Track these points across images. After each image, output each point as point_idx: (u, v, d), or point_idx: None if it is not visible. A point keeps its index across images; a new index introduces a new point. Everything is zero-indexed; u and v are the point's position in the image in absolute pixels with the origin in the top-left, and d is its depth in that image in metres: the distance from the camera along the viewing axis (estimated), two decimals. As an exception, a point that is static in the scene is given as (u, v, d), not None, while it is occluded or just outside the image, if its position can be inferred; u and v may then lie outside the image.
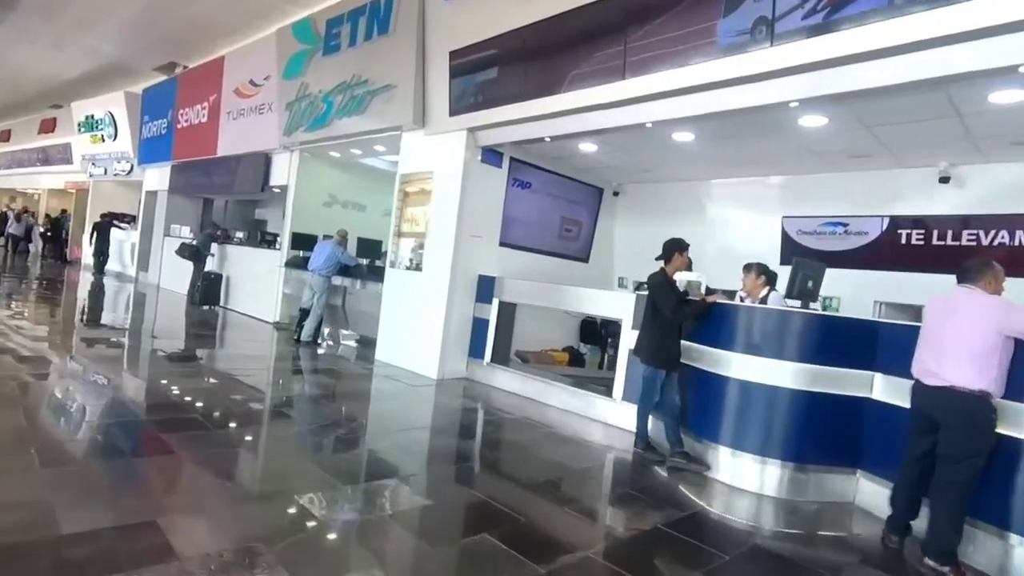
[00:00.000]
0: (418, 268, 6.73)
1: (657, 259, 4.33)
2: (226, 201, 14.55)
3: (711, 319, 4.14)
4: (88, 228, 16.47)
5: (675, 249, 4.22)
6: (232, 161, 10.58)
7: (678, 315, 4.03)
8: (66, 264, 17.01)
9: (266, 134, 9.47)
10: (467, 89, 6.13)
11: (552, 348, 7.55)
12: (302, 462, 3.68)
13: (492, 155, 6.52)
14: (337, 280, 7.92)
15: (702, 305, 4.07)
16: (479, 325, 6.48)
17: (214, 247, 10.95)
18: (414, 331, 6.61)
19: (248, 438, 3.95)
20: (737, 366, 3.91)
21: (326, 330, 7.98)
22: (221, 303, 10.57)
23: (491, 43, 5.77)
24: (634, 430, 4.40)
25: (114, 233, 14.83)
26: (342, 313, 7.98)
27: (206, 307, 10.32)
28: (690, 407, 4.17)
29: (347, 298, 7.86)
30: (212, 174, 11.21)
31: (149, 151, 13.73)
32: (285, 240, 9.28)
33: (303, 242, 9.18)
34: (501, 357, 6.40)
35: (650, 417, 4.28)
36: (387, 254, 9.25)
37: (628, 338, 5.00)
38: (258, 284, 9.78)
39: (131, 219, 15.60)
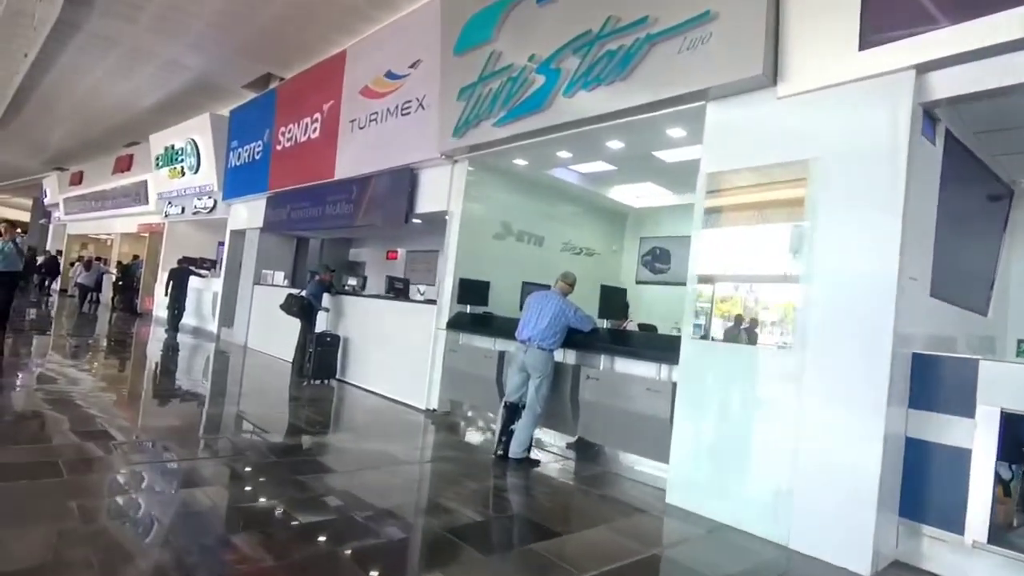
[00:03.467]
0: (749, 340, 3.61)
1: None
2: (322, 240, 12.08)
3: None
4: (161, 276, 14.33)
5: None
6: (355, 185, 7.91)
7: None
8: (136, 316, 14.84)
9: (414, 142, 6.75)
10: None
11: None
12: None
13: (928, 124, 3.43)
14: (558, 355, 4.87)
15: None
16: (923, 456, 3.24)
17: (326, 299, 8.20)
18: (772, 462, 3.44)
19: None
20: None
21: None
22: (337, 375, 7.74)
23: None
24: None
25: (192, 281, 12.49)
26: (570, 409, 4.91)
27: (318, 382, 7.48)
28: None
29: (583, 385, 4.77)
30: (325, 203, 8.58)
31: (237, 183, 11.39)
32: (445, 291, 6.37)
33: (469, 293, 6.26)
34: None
35: None
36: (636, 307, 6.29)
37: None
38: (398, 352, 6.88)
39: (211, 264, 13.29)
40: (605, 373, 4.70)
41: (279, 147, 9.79)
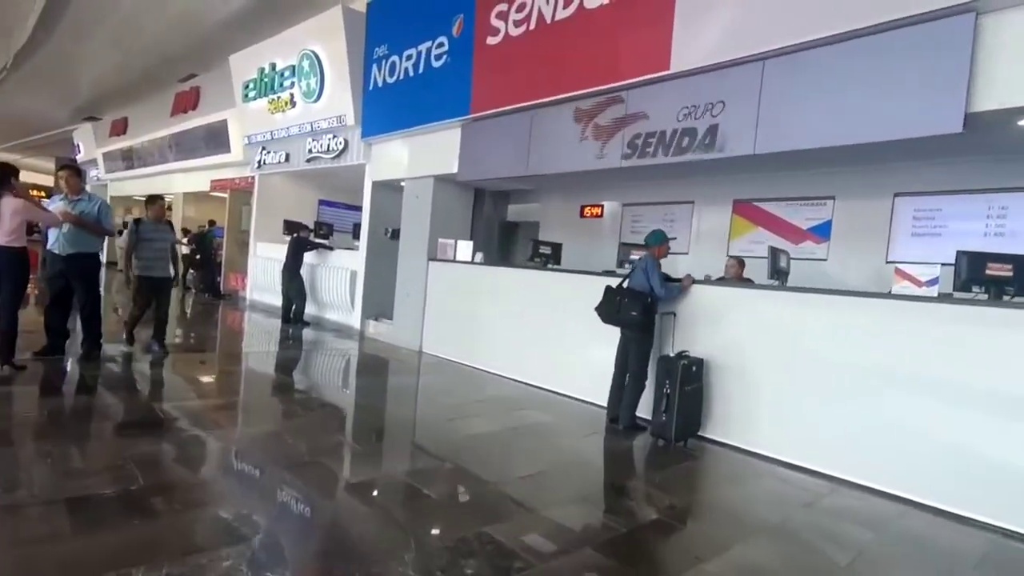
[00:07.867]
0: None
1: None
2: (490, 194, 8.41)
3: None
4: (256, 248, 10.83)
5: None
6: (747, 71, 4.20)
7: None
8: (220, 299, 11.44)
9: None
10: None
11: None
12: None
13: None
14: None
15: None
16: None
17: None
18: None
19: None
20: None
21: None
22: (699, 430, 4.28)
23: None
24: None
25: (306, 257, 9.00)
26: None
27: (677, 445, 4.06)
28: None
29: None
30: (636, 121, 4.89)
31: (388, 110, 7.70)
32: None
33: None
34: None
35: None
36: None
37: None
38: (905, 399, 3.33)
39: (328, 230, 9.72)
40: None
41: (493, 40, 6.04)
